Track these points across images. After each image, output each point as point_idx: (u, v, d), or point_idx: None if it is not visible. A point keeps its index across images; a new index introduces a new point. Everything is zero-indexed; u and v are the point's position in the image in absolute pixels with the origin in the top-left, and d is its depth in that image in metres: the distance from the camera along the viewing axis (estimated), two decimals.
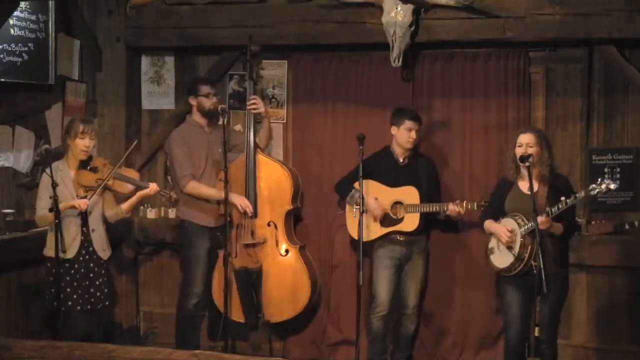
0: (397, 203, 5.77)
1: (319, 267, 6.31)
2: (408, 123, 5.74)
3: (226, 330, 5.77)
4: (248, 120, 6.03)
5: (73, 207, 5.23)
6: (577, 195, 4.92)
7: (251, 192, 5.94)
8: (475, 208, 5.57)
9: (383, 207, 5.74)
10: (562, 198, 4.92)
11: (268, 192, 5.99)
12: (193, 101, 6.03)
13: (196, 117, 6.05)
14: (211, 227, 5.99)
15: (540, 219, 4.90)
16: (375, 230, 5.78)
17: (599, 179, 4.88)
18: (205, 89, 5.99)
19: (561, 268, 5.16)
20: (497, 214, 5.29)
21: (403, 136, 5.75)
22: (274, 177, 5.99)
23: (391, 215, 5.77)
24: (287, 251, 6.00)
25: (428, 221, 5.85)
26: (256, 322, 6.00)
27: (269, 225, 5.99)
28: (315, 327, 6.39)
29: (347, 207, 5.92)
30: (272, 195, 5.99)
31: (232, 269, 5.88)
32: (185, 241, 6.10)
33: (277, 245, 5.99)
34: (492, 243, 5.27)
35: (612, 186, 4.83)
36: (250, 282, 5.93)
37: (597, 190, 4.84)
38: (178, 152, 5.94)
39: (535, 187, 5.14)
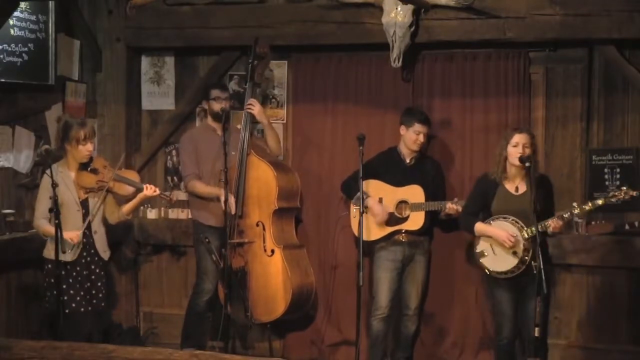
0: (402, 202, 5.77)
1: (318, 267, 6.32)
2: (417, 126, 5.73)
3: (227, 330, 5.76)
4: (244, 121, 6.04)
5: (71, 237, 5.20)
6: (587, 206, 5.04)
7: (240, 192, 5.96)
8: None
9: (387, 211, 5.74)
10: (574, 204, 5.04)
11: (257, 192, 6.00)
12: (205, 105, 6.18)
13: (209, 120, 6.15)
14: (217, 226, 6.02)
15: (554, 223, 4.98)
16: (380, 229, 5.78)
17: (617, 189, 5.05)
18: (214, 92, 6.10)
19: (546, 264, 5.20)
20: (478, 215, 5.28)
21: (410, 138, 5.75)
22: (261, 178, 5.99)
23: (396, 214, 5.77)
24: (272, 251, 5.99)
25: (431, 222, 5.85)
26: (245, 321, 6.00)
27: (257, 225, 5.99)
28: (315, 327, 6.39)
29: (352, 207, 5.92)
30: (260, 195, 5.99)
31: (218, 267, 5.92)
32: (195, 240, 6.17)
33: (264, 245, 5.99)
34: (483, 246, 5.25)
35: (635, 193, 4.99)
36: (235, 280, 5.93)
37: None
38: (184, 152, 6.16)
39: (523, 188, 5.16)
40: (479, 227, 5.25)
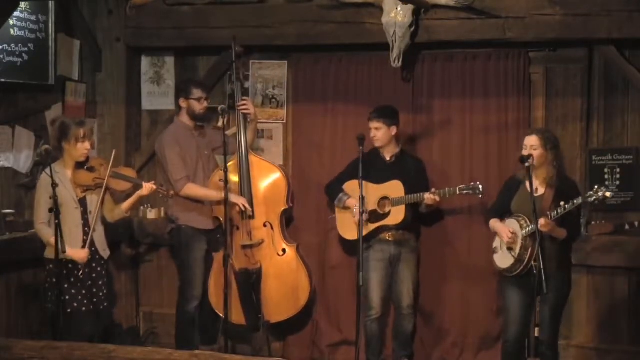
0: (384, 199, 5.77)
1: (318, 267, 6.32)
2: (369, 123, 5.78)
3: (225, 332, 5.73)
4: (239, 121, 5.99)
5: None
6: (574, 201, 4.92)
7: (246, 193, 5.92)
8: (447, 195, 5.57)
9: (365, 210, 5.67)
10: (562, 203, 4.93)
11: (263, 192, 5.98)
12: (183, 103, 5.96)
13: (184, 118, 5.98)
14: (207, 229, 5.99)
15: (541, 221, 4.91)
16: (364, 227, 5.74)
17: (596, 186, 4.89)
18: (197, 92, 5.93)
19: (561, 269, 5.16)
20: (504, 213, 5.29)
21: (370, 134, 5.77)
22: (268, 178, 5.98)
23: (378, 210, 5.77)
24: (284, 250, 5.99)
25: (413, 217, 5.81)
26: (257, 323, 5.99)
27: (265, 225, 5.98)
28: (315, 327, 6.39)
29: (337, 209, 5.94)
30: (267, 195, 5.98)
31: (232, 271, 5.86)
32: (182, 245, 6.02)
33: (274, 245, 5.98)
34: (497, 242, 5.29)
35: (608, 194, 4.85)
36: (251, 283, 5.92)
37: (594, 197, 4.85)
38: (172, 154, 5.86)
39: (542, 189, 5.14)
40: (492, 223, 5.31)
